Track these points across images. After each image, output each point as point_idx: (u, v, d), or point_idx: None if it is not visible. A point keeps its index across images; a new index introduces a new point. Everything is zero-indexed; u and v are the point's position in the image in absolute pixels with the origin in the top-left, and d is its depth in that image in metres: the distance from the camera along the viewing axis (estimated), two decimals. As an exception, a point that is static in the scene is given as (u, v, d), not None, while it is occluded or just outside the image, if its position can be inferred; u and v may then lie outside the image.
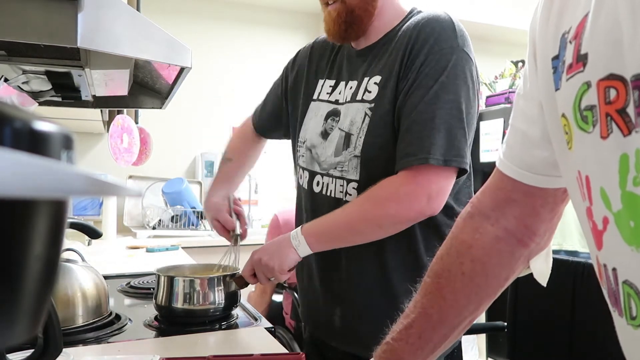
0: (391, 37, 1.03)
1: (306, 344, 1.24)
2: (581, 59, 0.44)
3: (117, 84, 1.31)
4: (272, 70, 3.47)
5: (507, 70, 3.53)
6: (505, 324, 1.66)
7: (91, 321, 1.07)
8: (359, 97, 1.03)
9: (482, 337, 2.74)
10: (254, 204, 3.20)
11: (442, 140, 0.93)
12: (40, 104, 1.29)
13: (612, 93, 0.41)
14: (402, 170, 0.95)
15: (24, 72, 1.13)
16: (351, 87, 1.06)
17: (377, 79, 1.01)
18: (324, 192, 1.08)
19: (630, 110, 0.39)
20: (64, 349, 0.69)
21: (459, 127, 0.94)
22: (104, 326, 1.08)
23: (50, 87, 1.23)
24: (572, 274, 1.42)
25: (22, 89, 1.21)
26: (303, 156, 1.13)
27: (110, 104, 1.70)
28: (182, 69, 1.12)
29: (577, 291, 1.41)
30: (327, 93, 1.11)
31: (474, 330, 1.91)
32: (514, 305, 1.62)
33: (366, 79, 1.03)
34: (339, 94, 1.08)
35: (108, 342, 1.02)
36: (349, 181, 1.02)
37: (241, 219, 1.25)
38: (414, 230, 1.01)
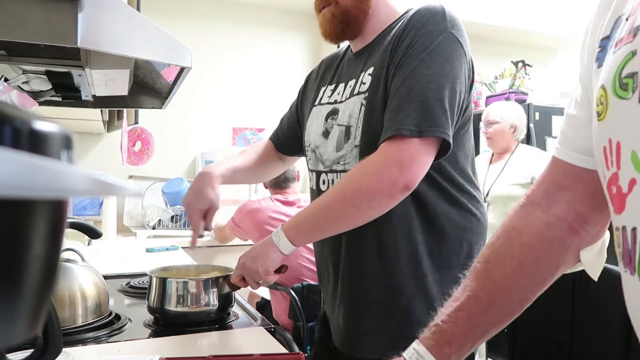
0: (385, 34, 1.05)
1: (316, 345, 1.23)
2: (633, 31, 0.47)
3: (117, 84, 1.31)
4: (272, 70, 3.49)
5: (507, 70, 3.53)
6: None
7: (91, 321, 1.07)
8: (355, 92, 1.05)
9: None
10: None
11: (416, 112, 0.91)
12: (40, 104, 1.29)
13: None
14: (380, 145, 0.95)
15: (24, 72, 1.13)
16: (350, 86, 1.08)
17: (371, 70, 1.03)
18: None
19: None
20: (64, 349, 0.69)
21: (435, 99, 0.92)
22: (104, 326, 1.08)
23: (50, 87, 1.23)
24: (572, 274, 1.42)
25: (22, 89, 1.21)
26: (310, 159, 1.15)
27: (110, 104, 1.70)
28: (182, 69, 1.13)
29: (577, 292, 1.41)
30: (327, 96, 1.13)
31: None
32: (514, 305, 1.62)
33: (362, 74, 1.05)
34: (338, 94, 1.10)
35: (108, 342, 1.02)
36: None
37: (207, 223, 1.17)
38: (412, 219, 1.00)
